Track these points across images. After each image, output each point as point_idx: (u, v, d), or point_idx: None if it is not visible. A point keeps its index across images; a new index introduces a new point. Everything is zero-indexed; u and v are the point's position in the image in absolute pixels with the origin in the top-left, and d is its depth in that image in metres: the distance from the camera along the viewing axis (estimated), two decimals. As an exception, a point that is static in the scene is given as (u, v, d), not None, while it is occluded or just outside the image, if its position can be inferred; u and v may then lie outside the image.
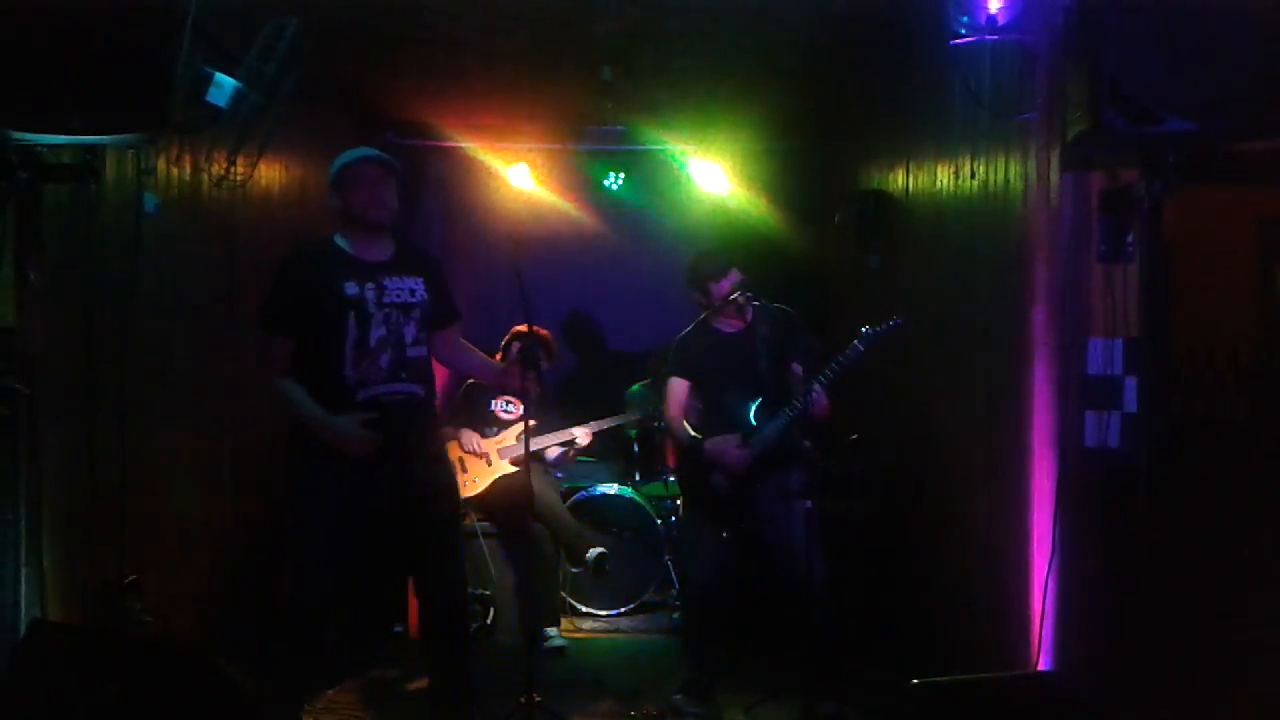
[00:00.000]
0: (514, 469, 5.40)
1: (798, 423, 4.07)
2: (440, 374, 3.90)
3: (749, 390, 4.15)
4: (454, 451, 5.28)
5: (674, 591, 5.72)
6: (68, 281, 3.24)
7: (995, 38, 3.40)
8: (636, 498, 5.76)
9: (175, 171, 3.92)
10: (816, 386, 3.99)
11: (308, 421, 3.45)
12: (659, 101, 5.94)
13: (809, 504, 4.05)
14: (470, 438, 5.41)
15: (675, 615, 5.60)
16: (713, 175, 6.88)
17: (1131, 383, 3.25)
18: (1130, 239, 3.22)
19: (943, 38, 3.54)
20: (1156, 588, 3.12)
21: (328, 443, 3.44)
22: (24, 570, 3.05)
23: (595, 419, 5.67)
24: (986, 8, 3.32)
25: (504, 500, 5.30)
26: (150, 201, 3.55)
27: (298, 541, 3.55)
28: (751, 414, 4.15)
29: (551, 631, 5.19)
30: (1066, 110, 3.17)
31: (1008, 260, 3.78)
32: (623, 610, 5.63)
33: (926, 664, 4.21)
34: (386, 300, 3.52)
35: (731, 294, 4.17)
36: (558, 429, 5.53)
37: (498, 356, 5.13)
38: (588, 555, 5.27)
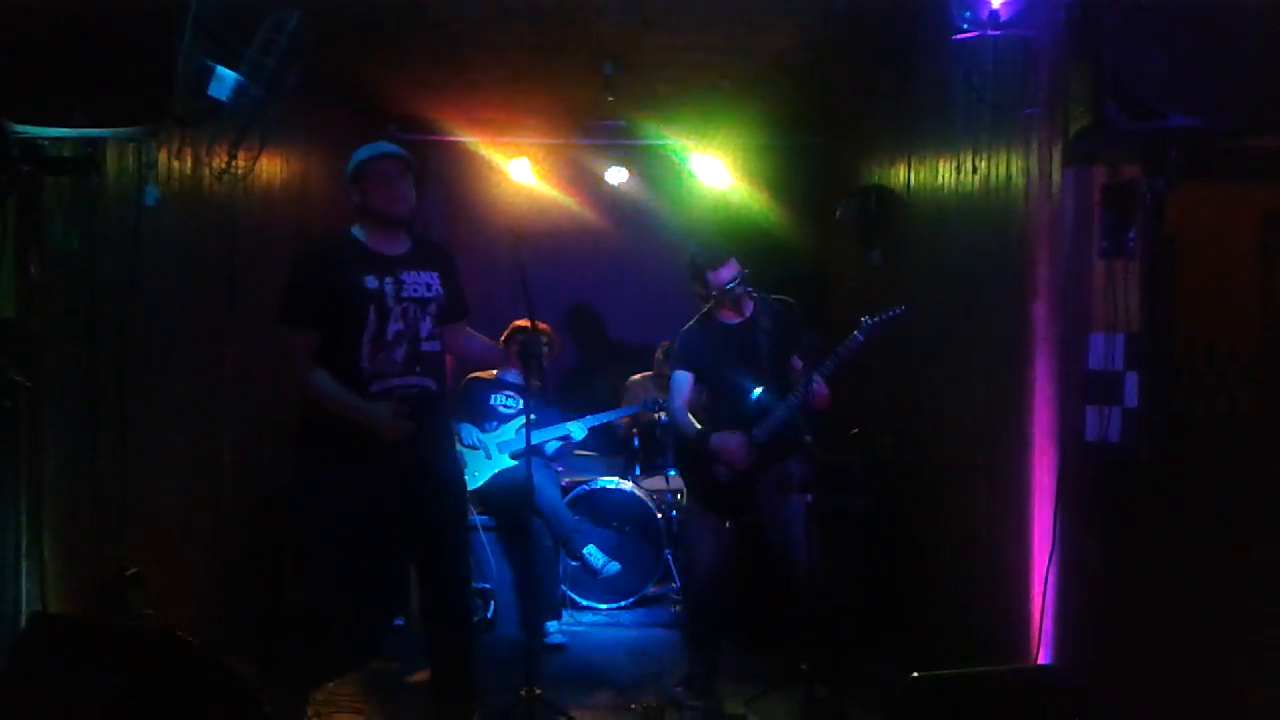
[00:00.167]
0: (514, 463, 5.41)
1: (798, 414, 4.08)
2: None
3: (751, 382, 4.16)
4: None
5: (674, 585, 5.72)
6: (69, 274, 3.25)
7: (997, 33, 3.39)
8: (636, 492, 5.76)
9: (176, 165, 3.92)
10: (817, 377, 4.01)
11: (344, 410, 3.44)
12: (661, 96, 5.94)
13: (809, 498, 4.06)
14: (470, 432, 5.43)
15: (675, 609, 5.61)
16: (714, 170, 6.89)
17: (1132, 378, 3.25)
18: (1132, 234, 3.22)
19: (945, 33, 3.53)
20: (1157, 582, 3.12)
21: (343, 435, 3.45)
22: (25, 563, 3.06)
23: (595, 413, 5.68)
24: (989, 3, 3.31)
25: (504, 494, 5.31)
26: (151, 195, 3.55)
27: (306, 538, 3.56)
28: (754, 405, 4.16)
29: (552, 625, 5.20)
30: (1068, 105, 3.17)
31: (1009, 255, 3.78)
32: (623, 604, 5.64)
33: (926, 657, 4.21)
34: (404, 294, 3.54)
35: (729, 284, 4.18)
36: (558, 423, 5.53)
37: (498, 350, 5.14)
38: (599, 568, 5.28)
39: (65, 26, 2.80)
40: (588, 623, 5.54)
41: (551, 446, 5.61)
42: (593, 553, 5.28)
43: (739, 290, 4.21)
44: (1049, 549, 3.30)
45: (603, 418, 5.71)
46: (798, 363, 4.17)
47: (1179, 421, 3.19)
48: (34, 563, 3.07)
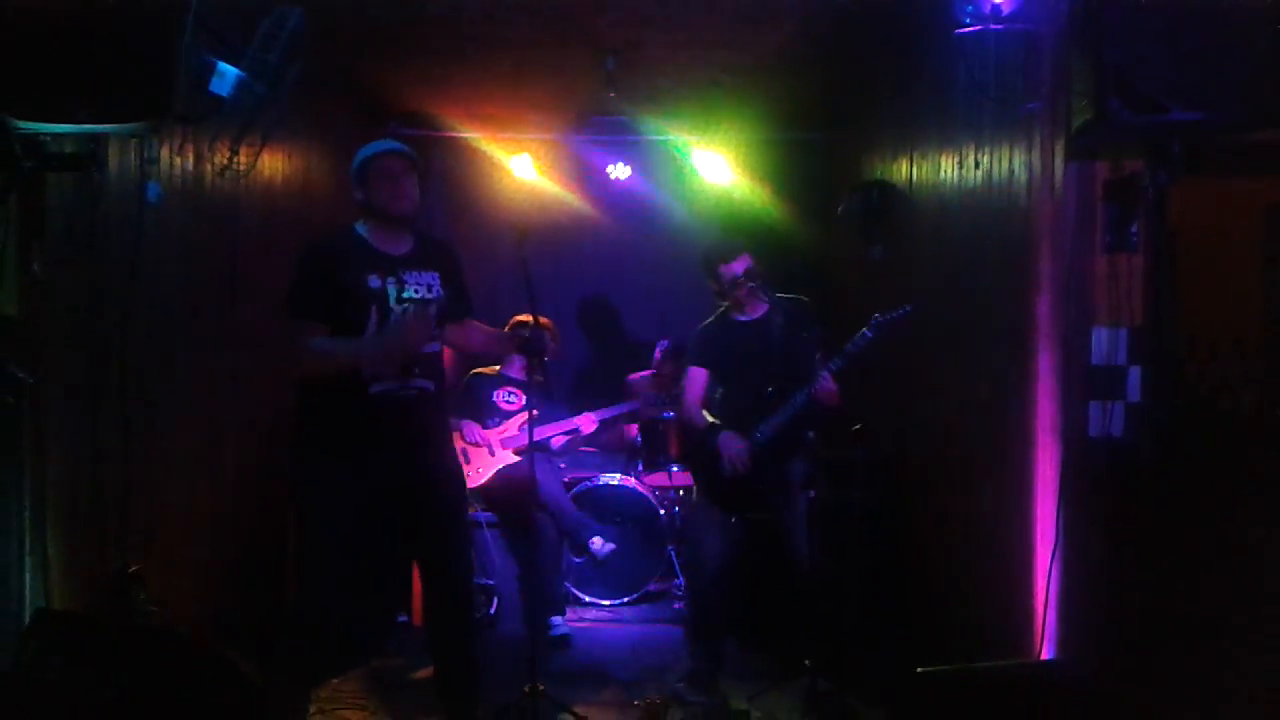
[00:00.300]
0: (517, 459, 5.41)
1: (805, 411, 4.09)
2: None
3: (764, 379, 4.17)
4: (457, 443, 5.29)
5: (677, 581, 5.73)
6: (71, 271, 3.24)
7: (1000, 27, 3.39)
8: (639, 488, 5.77)
9: (178, 161, 3.92)
10: (824, 374, 4.03)
11: (361, 355, 3.40)
12: (662, 91, 5.93)
13: (811, 493, 4.07)
14: (472, 428, 5.43)
15: (678, 605, 5.62)
16: (716, 166, 6.88)
17: (1136, 372, 3.24)
18: (1135, 229, 3.21)
19: (947, 27, 3.53)
20: (1159, 577, 3.12)
21: (342, 433, 3.45)
22: (28, 560, 3.06)
23: (597, 408, 5.68)
24: (991, -3, 3.32)
25: (507, 490, 5.31)
26: (153, 191, 3.54)
27: (306, 537, 3.56)
28: (766, 403, 4.17)
29: (556, 620, 5.20)
30: (1071, 100, 3.16)
31: (1012, 250, 3.78)
32: (626, 600, 5.64)
33: (930, 652, 4.21)
34: (406, 295, 3.53)
35: (743, 278, 4.21)
36: (561, 418, 5.53)
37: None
38: (596, 550, 5.28)
39: (66, 23, 2.79)
40: (591, 619, 5.54)
41: (556, 442, 5.61)
42: (598, 543, 5.29)
43: (751, 284, 4.23)
44: (1052, 544, 3.30)
45: (607, 413, 5.72)
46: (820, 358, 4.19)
47: (1182, 416, 3.19)
48: (37, 560, 3.07)
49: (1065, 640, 3.31)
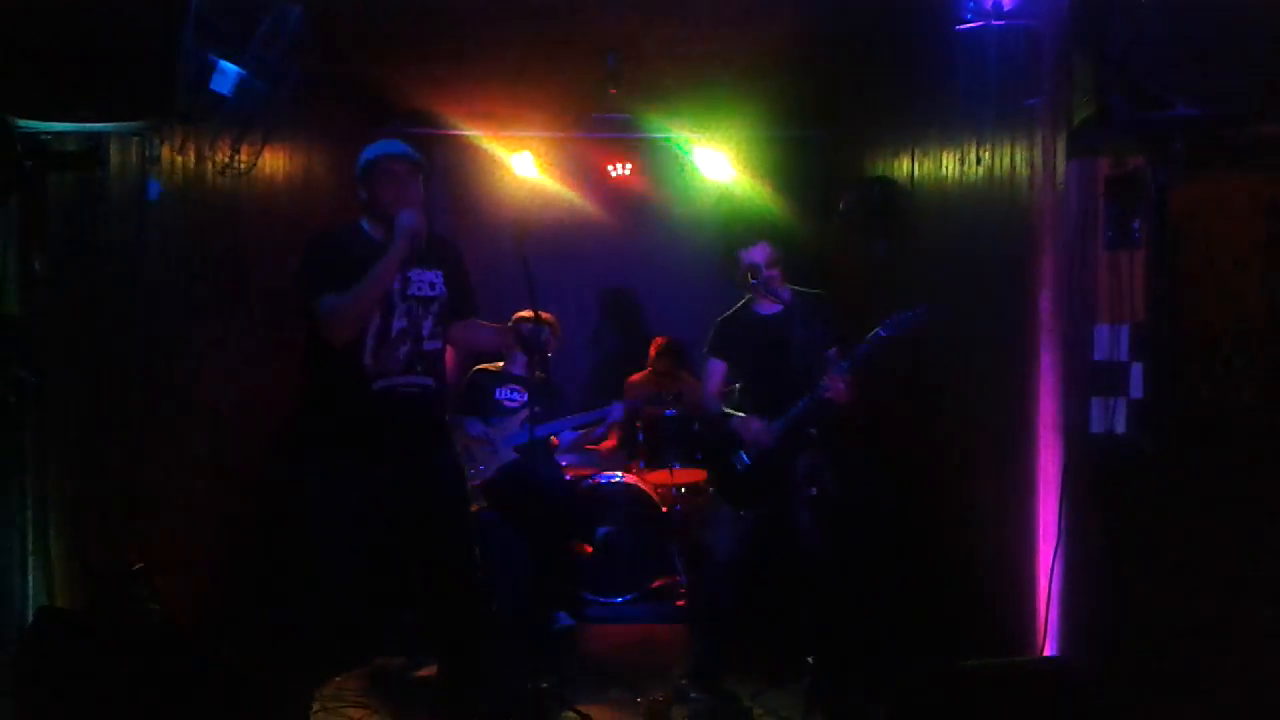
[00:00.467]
0: (519, 456, 5.40)
1: (816, 409, 4.09)
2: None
3: (782, 373, 4.18)
4: (459, 441, 5.29)
5: (679, 579, 5.73)
6: (73, 269, 3.25)
7: (1001, 23, 3.38)
8: (641, 486, 5.77)
9: (179, 160, 3.92)
10: (834, 375, 4.02)
11: (373, 283, 3.40)
12: (664, 89, 5.93)
13: (813, 490, 4.07)
14: (474, 425, 5.42)
15: (680, 601, 5.62)
16: (717, 163, 6.88)
17: (1138, 369, 3.24)
18: (1137, 225, 3.20)
19: (948, 24, 3.52)
20: (1162, 574, 3.12)
21: (343, 432, 3.46)
22: (31, 558, 3.06)
23: (598, 406, 5.68)
24: (992, -7, 3.32)
25: (509, 487, 5.31)
26: (155, 190, 3.55)
27: (308, 534, 3.56)
28: (783, 396, 4.18)
29: (560, 614, 5.20)
30: (1072, 96, 3.16)
31: (1013, 246, 3.77)
32: (628, 598, 5.64)
33: (932, 649, 4.21)
34: (410, 292, 3.54)
35: (762, 266, 4.23)
36: (563, 415, 5.53)
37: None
38: (605, 539, 5.30)
39: (68, 22, 2.79)
40: (594, 616, 5.54)
41: (566, 437, 5.61)
42: (604, 530, 5.32)
43: (770, 274, 4.25)
44: (1054, 541, 3.29)
45: (582, 418, 5.67)
46: (832, 354, 4.20)
47: (1184, 413, 3.18)
48: (40, 558, 3.08)
49: (1067, 637, 3.31)
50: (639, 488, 5.75)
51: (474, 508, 5.17)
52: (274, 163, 4.87)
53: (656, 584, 5.72)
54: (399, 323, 3.51)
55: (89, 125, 2.95)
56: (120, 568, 3.37)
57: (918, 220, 5.03)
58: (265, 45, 3.07)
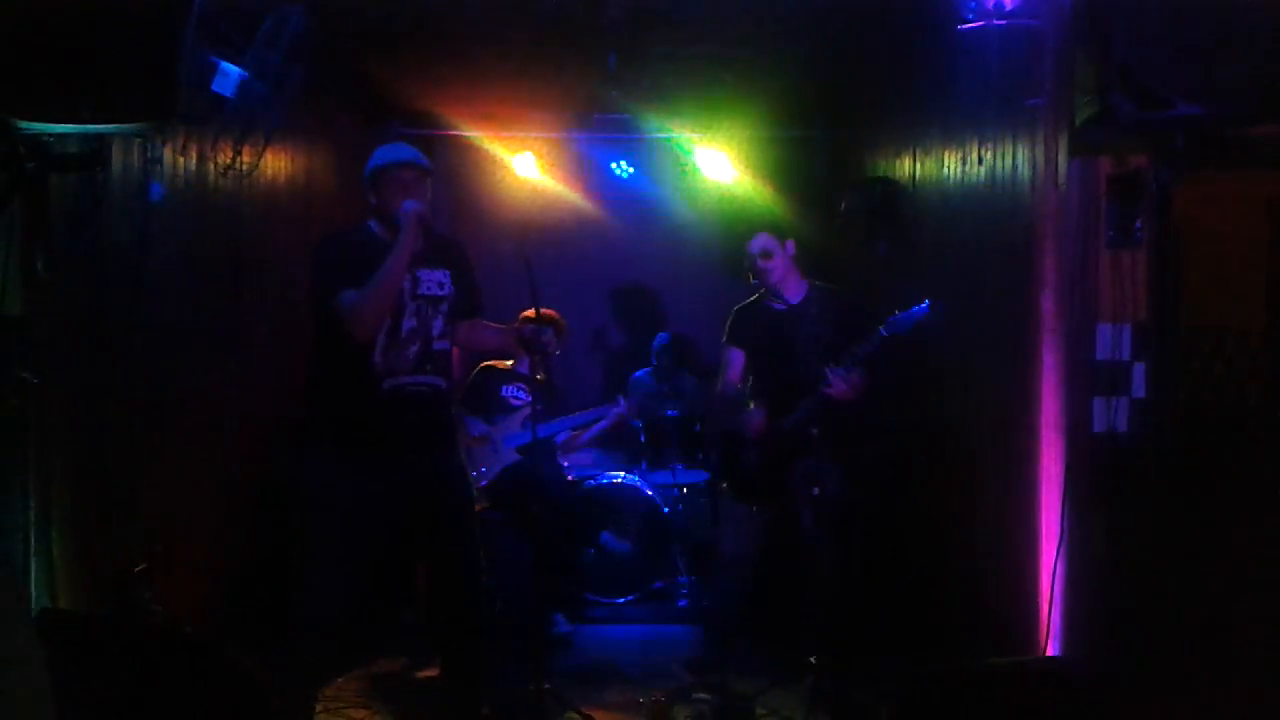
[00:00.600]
0: (521, 457, 5.40)
1: (819, 408, 4.10)
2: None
3: (788, 370, 4.18)
4: (461, 441, 5.27)
5: (682, 579, 5.73)
6: (75, 271, 3.25)
7: (1002, 23, 3.38)
8: (643, 486, 5.76)
9: (181, 161, 3.93)
10: (835, 376, 4.02)
11: (387, 277, 3.41)
12: (665, 89, 5.93)
13: (816, 490, 4.07)
14: (476, 426, 5.41)
15: (682, 602, 5.63)
16: (719, 163, 6.87)
17: (1140, 368, 3.24)
18: (1139, 224, 3.20)
19: (950, 24, 3.52)
20: (1164, 573, 3.11)
21: (347, 431, 3.46)
22: (34, 560, 3.07)
23: (598, 405, 5.68)
24: (994, -8, 3.31)
25: (511, 487, 5.30)
26: (156, 191, 3.55)
27: (312, 534, 3.56)
28: (794, 392, 4.19)
29: (557, 618, 5.20)
30: (1074, 95, 3.16)
31: (1015, 247, 3.77)
32: (631, 598, 5.64)
33: (935, 649, 4.22)
34: (419, 292, 3.54)
35: (757, 255, 4.25)
36: (568, 414, 5.52)
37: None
38: (616, 550, 5.30)
39: (69, 23, 2.80)
40: (596, 617, 5.54)
41: (562, 437, 5.61)
42: (608, 539, 5.31)
43: (764, 264, 4.28)
44: (1056, 540, 3.29)
45: (580, 418, 5.68)
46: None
47: (1186, 412, 3.18)
48: (43, 560, 3.08)
49: (1070, 637, 3.31)
50: (642, 488, 5.75)
51: (477, 508, 5.19)
52: (276, 164, 4.88)
53: (659, 585, 5.72)
54: (409, 322, 3.51)
55: (91, 127, 2.94)
56: (123, 569, 3.37)
57: (919, 221, 5.02)
58: (267, 46, 3.07)
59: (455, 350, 3.82)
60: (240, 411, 4.51)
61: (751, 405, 4.33)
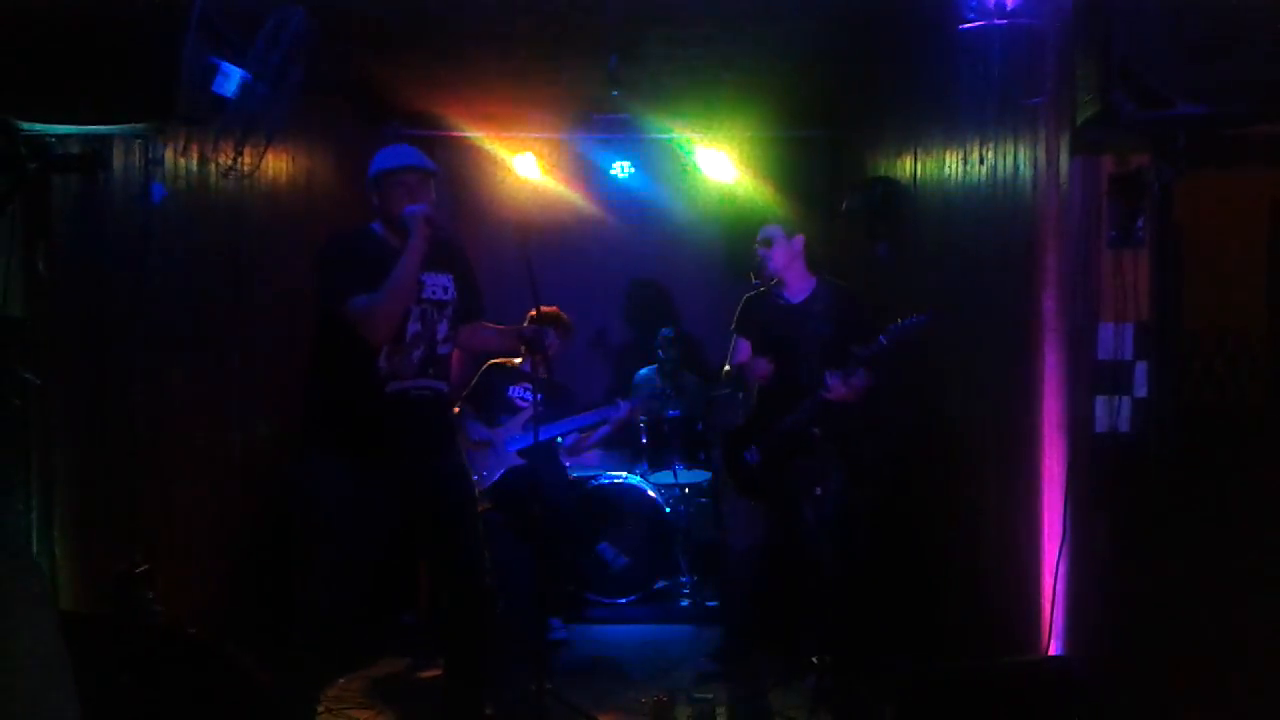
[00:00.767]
0: (524, 460, 5.39)
1: (818, 410, 4.11)
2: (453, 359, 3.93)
3: (793, 369, 4.20)
4: (462, 441, 5.27)
5: (683, 579, 5.73)
6: (76, 272, 3.25)
7: (1003, 22, 3.38)
8: (645, 486, 5.76)
9: (182, 162, 3.93)
10: (839, 376, 4.04)
11: (401, 280, 3.40)
12: (666, 89, 5.93)
13: (818, 490, 4.07)
14: (476, 430, 5.40)
15: (684, 602, 5.63)
16: (719, 164, 6.88)
17: (1142, 368, 3.23)
18: (1141, 223, 3.20)
19: (951, 23, 3.52)
20: (1167, 572, 3.11)
21: (349, 431, 3.46)
22: (37, 560, 3.06)
23: (600, 407, 5.67)
24: (995, -8, 3.31)
25: (513, 489, 5.30)
26: (158, 192, 3.55)
27: (315, 536, 3.56)
28: (799, 389, 4.21)
29: (555, 623, 5.19)
30: (1076, 94, 3.15)
31: (1017, 246, 3.77)
32: (632, 599, 5.64)
33: (937, 649, 4.21)
34: (424, 296, 3.54)
35: (756, 245, 4.27)
36: (571, 417, 5.51)
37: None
38: (613, 563, 5.30)
39: (70, 24, 2.80)
40: (598, 617, 5.54)
41: (570, 440, 5.60)
42: (605, 548, 5.30)
43: (761, 252, 4.31)
44: (1059, 540, 3.29)
45: (584, 419, 5.67)
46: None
47: (1188, 411, 3.18)
48: (45, 560, 3.08)
49: (1072, 637, 3.30)
50: (643, 489, 5.75)
51: (480, 508, 5.18)
52: (277, 165, 4.88)
53: (661, 585, 5.72)
54: (413, 326, 3.51)
55: (92, 128, 2.94)
56: (124, 569, 3.37)
57: (921, 220, 5.02)
58: (268, 47, 3.07)
59: (455, 351, 3.82)
60: (241, 412, 4.51)
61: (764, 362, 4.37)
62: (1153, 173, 3.04)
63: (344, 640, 3.64)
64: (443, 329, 3.60)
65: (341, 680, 4.44)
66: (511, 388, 5.54)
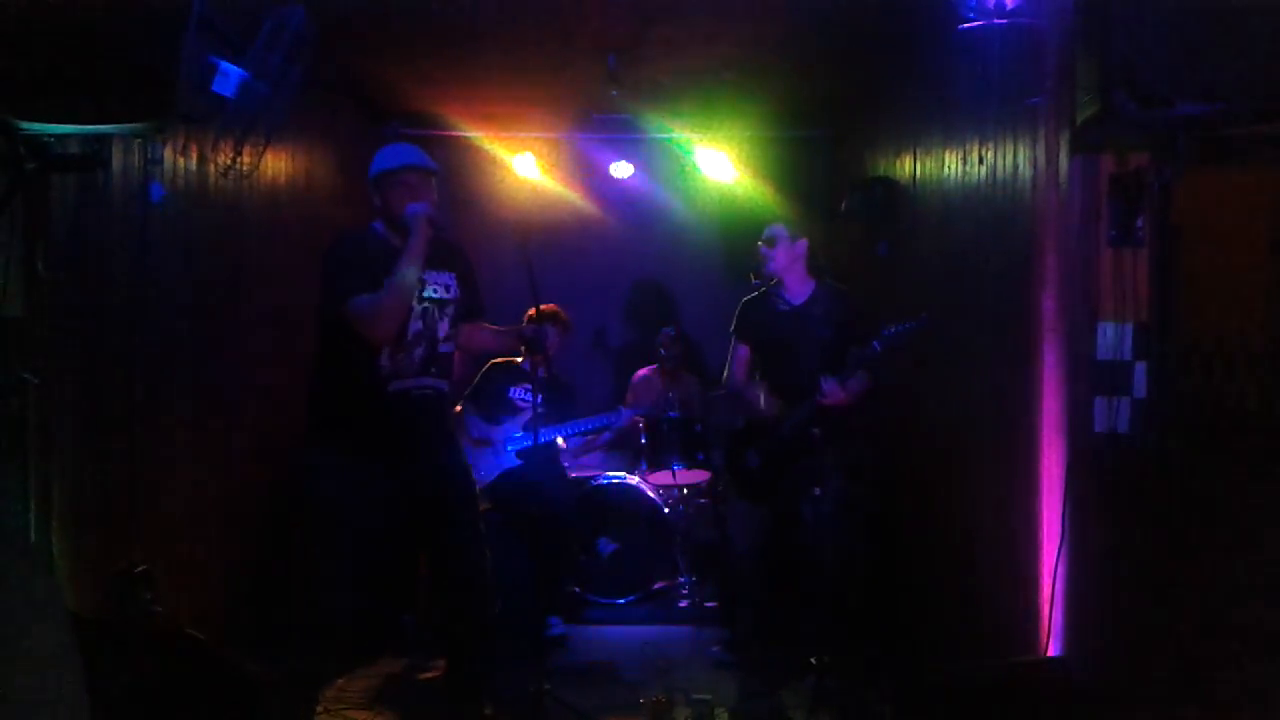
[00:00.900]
0: (522, 461, 5.39)
1: (817, 412, 4.11)
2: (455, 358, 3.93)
3: (793, 372, 4.20)
4: (463, 439, 5.27)
5: (682, 580, 5.73)
6: (76, 271, 3.25)
7: (1003, 22, 3.38)
8: (644, 488, 5.76)
9: (182, 161, 3.93)
10: (835, 381, 4.05)
11: (402, 279, 3.40)
12: (665, 89, 5.93)
13: (818, 491, 4.07)
14: (477, 427, 5.40)
15: (683, 603, 5.62)
16: (719, 163, 6.87)
17: (1141, 368, 3.23)
18: (1140, 223, 3.20)
19: (950, 23, 3.52)
20: (1166, 573, 3.11)
21: (350, 430, 3.46)
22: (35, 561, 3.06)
23: (607, 408, 5.67)
24: (994, -8, 3.31)
25: (511, 489, 5.30)
26: (157, 192, 3.55)
27: (315, 536, 3.56)
28: (798, 392, 4.21)
29: (553, 620, 5.19)
30: (1075, 94, 3.15)
31: (1016, 245, 3.77)
32: (631, 599, 5.63)
33: (936, 649, 4.21)
34: (426, 295, 3.54)
35: (761, 242, 4.29)
36: (573, 415, 5.51)
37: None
38: (604, 552, 5.30)
39: (70, 24, 2.80)
40: (597, 618, 5.54)
41: (575, 443, 5.60)
42: (603, 543, 5.31)
43: (764, 251, 4.32)
44: (1058, 540, 3.29)
45: (586, 424, 5.66)
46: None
47: (1188, 412, 3.17)
48: (43, 560, 3.08)
49: (1071, 637, 3.30)
50: (642, 490, 5.74)
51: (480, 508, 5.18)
52: (276, 164, 4.88)
53: (659, 586, 5.72)
54: (415, 325, 3.52)
55: (91, 127, 2.95)
56: (123, 569, 3.37)
57: (920, 220, 5.02)
58: (267, 47, 3.07)
59: (455, 351, 3.82)
60: (241, 411, 4.51)
61: (761, 395, 4.37)
62: (1152, 172, 3.04)
63: (343, 640, 3.64)
64: (444, 327, 3.60)
65: (341, 680, 4.43)
66: (513, 388, 5.54)
